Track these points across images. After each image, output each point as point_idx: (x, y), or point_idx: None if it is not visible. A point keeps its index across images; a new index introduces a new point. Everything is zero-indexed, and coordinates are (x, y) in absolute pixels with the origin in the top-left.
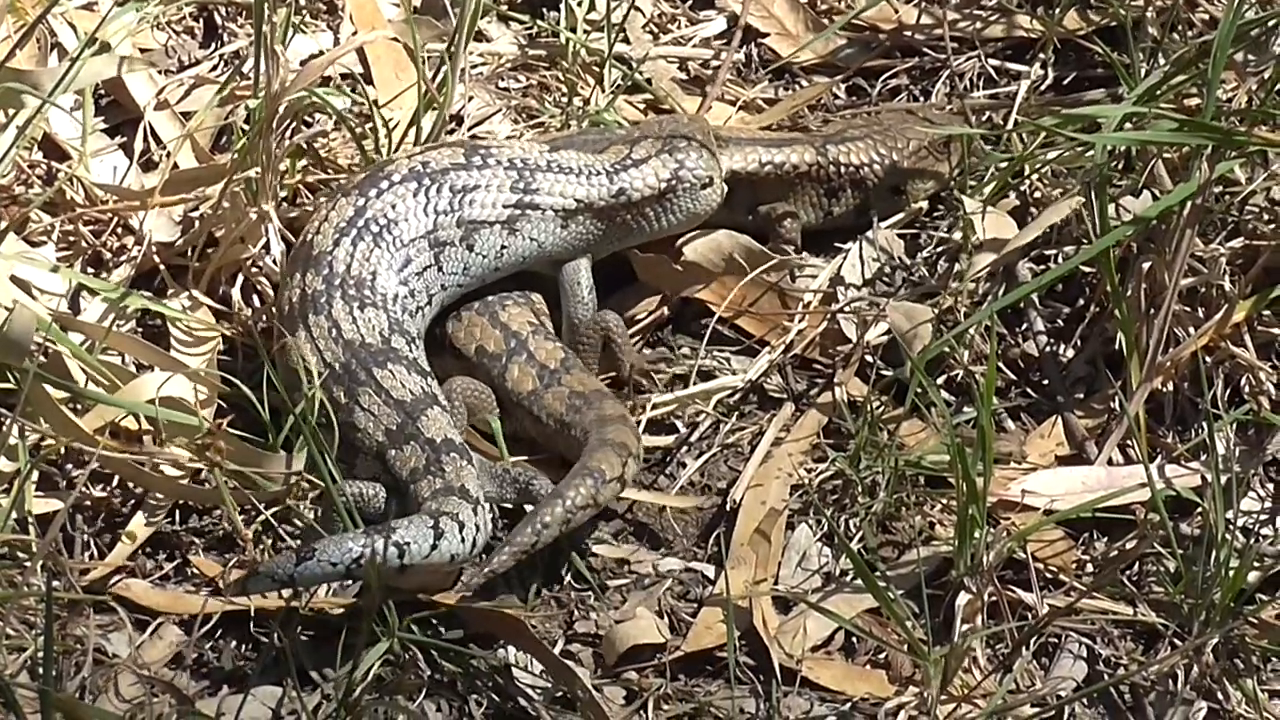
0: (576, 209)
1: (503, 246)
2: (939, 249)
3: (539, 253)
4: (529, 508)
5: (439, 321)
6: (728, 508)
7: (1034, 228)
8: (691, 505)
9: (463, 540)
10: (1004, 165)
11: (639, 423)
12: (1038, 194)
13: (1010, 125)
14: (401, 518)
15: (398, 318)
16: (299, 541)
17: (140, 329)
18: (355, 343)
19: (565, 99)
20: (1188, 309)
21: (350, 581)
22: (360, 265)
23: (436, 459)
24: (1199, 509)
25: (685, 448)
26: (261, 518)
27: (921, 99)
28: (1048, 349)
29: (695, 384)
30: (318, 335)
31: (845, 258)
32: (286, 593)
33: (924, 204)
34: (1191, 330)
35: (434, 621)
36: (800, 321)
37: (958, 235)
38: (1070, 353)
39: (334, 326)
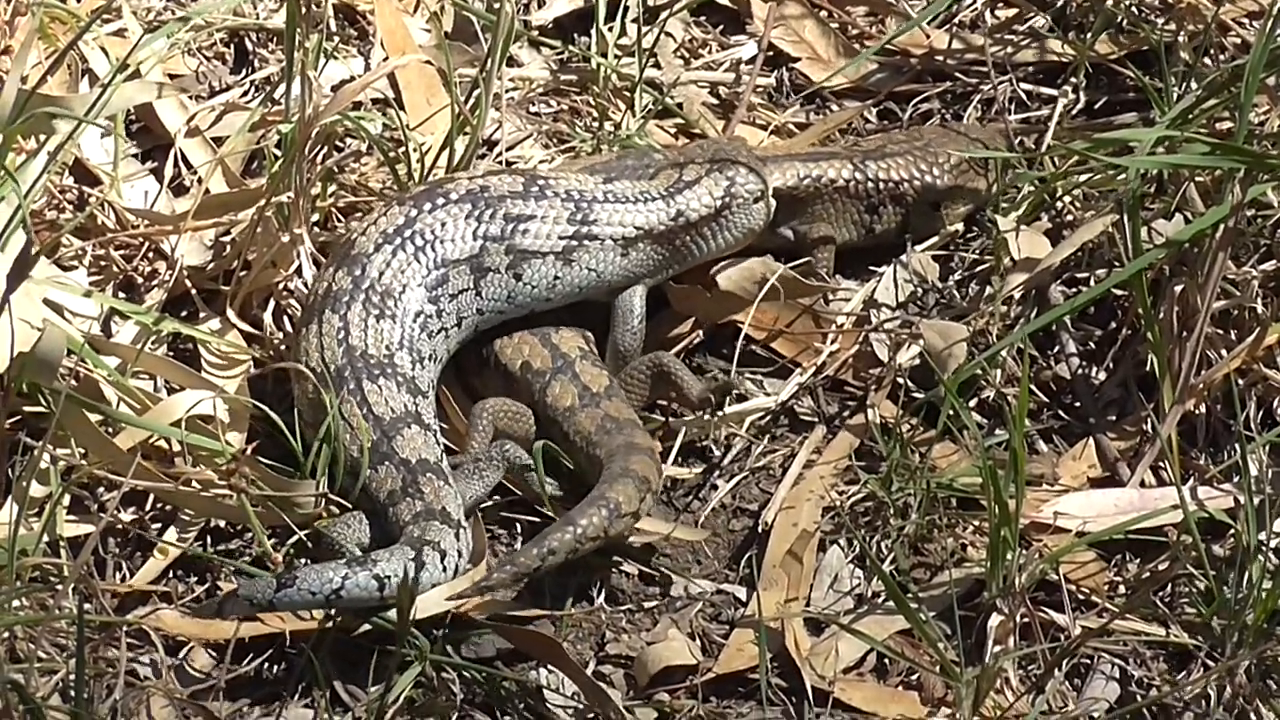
0: (637, 236)
1: (556, 277)
2: (971, 271)
3: (597, 282)
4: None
5: (485, 340)
6: (759, 530)
7: (1066, 246)
8: (697, 538)
9: (444, 569)
10: (1037, 185)
11: (672, 447)
12: (1070, 216)
13: (1044, 148)
14: (383, 549)
15: (413, 334)
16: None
17: (172, 353)
18: (357, 350)
19: (596, 124)
20: (1220, 331)
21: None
22: (393, 276)
23: (414, 480)
24: (1231, 530)
25: (717, 470)
26: (294, 539)
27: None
28: (1080, 371)
29: (728, 406)
30: (325, 333)
31: (879, 280)
32: (319, 614)
33: (959, 226)
34: (1224, 352)
35: (465, 642)
36: (833, 344)
37: (991, 256)
38: (1103, 375)
39: (343, 329)
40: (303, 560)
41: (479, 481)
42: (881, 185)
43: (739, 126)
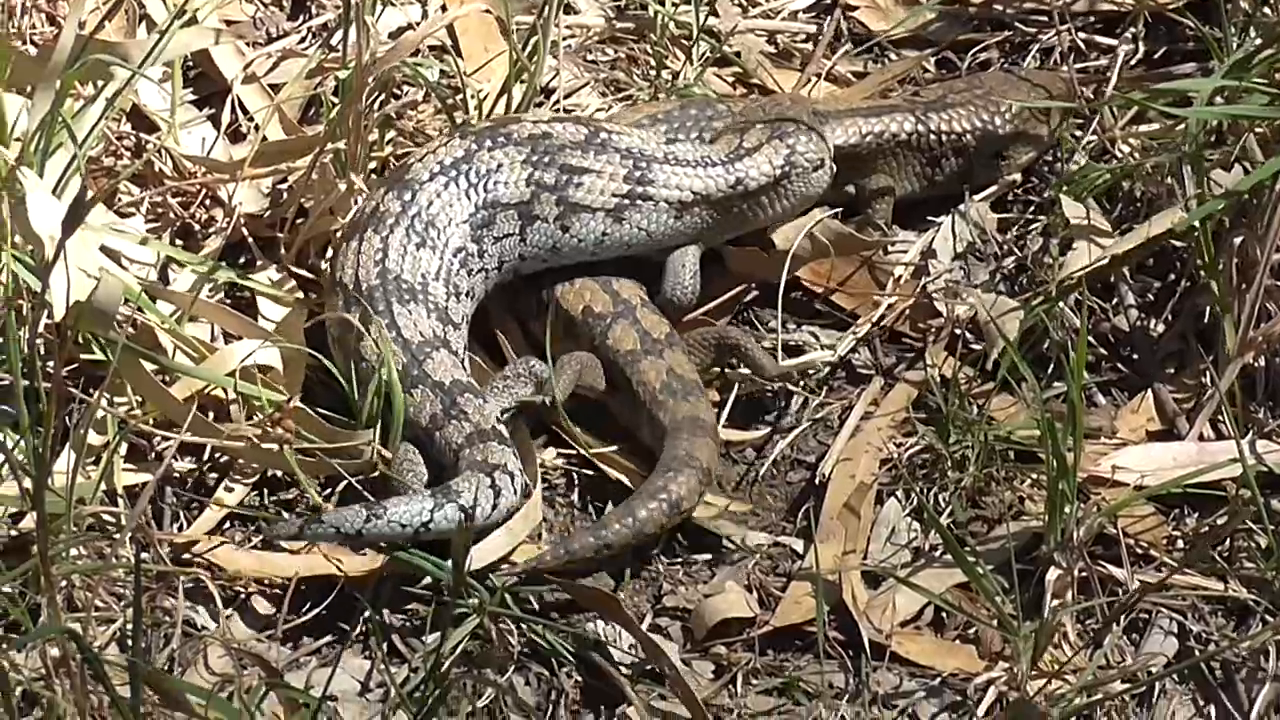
0: (693, 201)
1: (604, 233)
2: (1029, 225)
3: (648, 241)
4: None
5: (545, 284)
6: (816, 482)
7: (1134, 236)
8: (746, 509)
9: (515, 490)
10: (1104, 176)
11: (728, 400)
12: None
13: (1105, 98)
14: (458, 478)
15: (451, 268)
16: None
17: (229, 300)
18: (392, 273)
19: (654, 72)
20: (1279, 284)
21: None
22: (441, 207)
23: (453, 402)
24: None
25: (774, 424)
26: (343, 486)
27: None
28: (1139, 323)
29: (785, 360)
30: (364, 251)
31: (937, 231)
32: (376, 562)
33: (1017, 176)
34: None
35: (523, 594)
36: (890, 298)
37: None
38: (1161, 327)
39: (383, 250)
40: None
41: (507, 396)
42: (944, 137)
43: (796, 79)
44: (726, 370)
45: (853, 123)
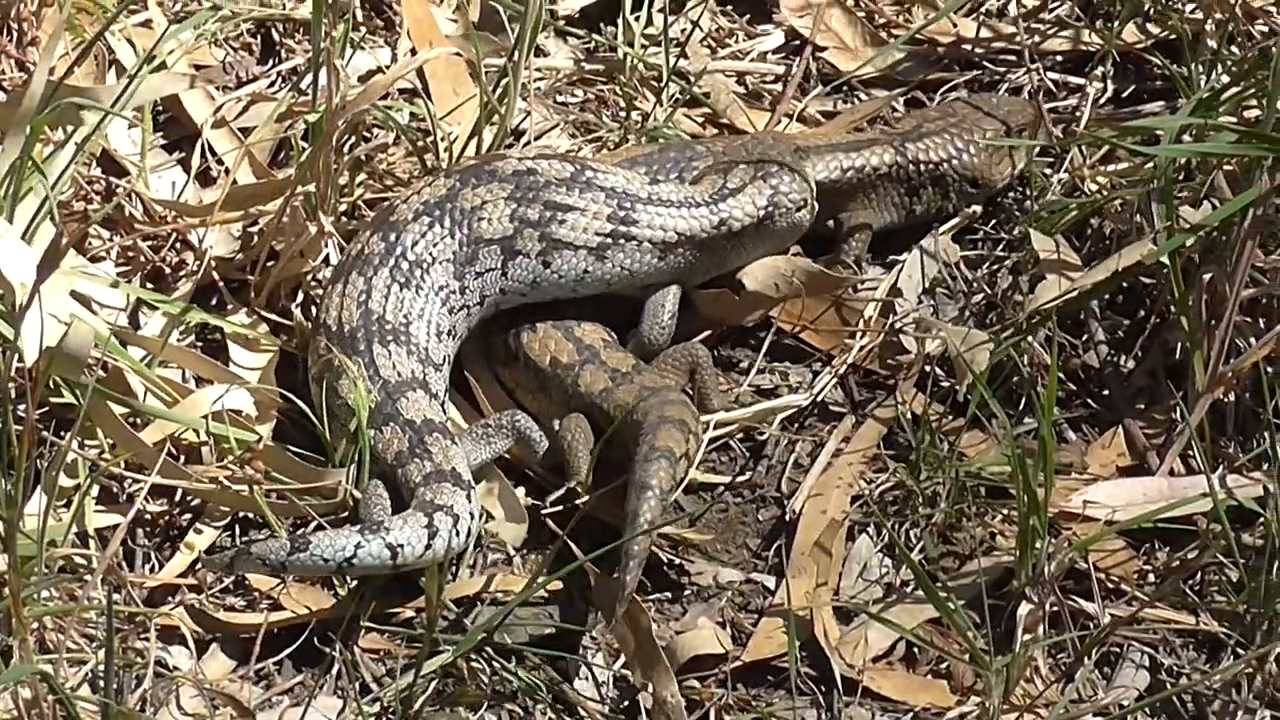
0: (677, 241)
1: (585, 270)
2: (999, 263)
3: (629, 280)
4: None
5: (513, 333)
6: (788, 519)
7: (1101, 269)
8: (704, 540)
9: (457, 533)
10: (1073, 212)
11: (701, 444)
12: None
13: (1072, 136)
14: (396, 515)
15: (433, 308)
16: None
17: (200, 344)
18: (374, 314)
19: (623, 113)
20: (1249, 319)
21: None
22: (426, 248)
23: (420, 440)
24: (1261, 519)
25: (745, 459)
26: (314, 526)
27: None
28: (1109, 359)
29: (758, 404)
30: (347, 293)
31: (902, 268)
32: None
33: (978, 208)
34: (1253, 340)
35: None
36: (861, 338)
37: (1015, 248)
38: (1131, 363)
39: (366, 292)
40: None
41: (487, 447)
42: (923, 167)
43: (767, 120)
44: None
45: (833, 157)
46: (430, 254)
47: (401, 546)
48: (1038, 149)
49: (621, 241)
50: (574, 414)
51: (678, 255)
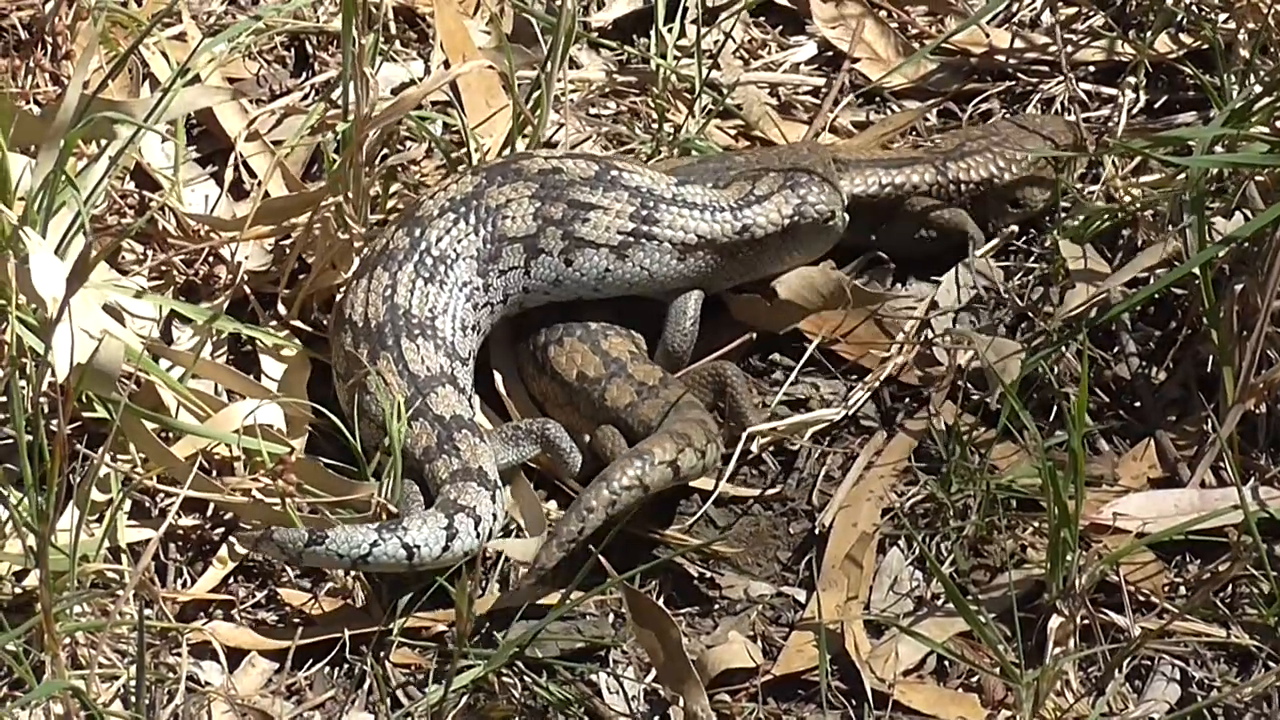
0: (697, 244)
1: (606, 270)
2: (1032, 272)
3: (649, 281)
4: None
5: (541, 346)
6: (818, 532)
7: (1129, 269)
8: (735, 553)
9: (477, 535)
10: (1105, 219)
11: (732, 454)
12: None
13: (1096, 145)
14: (415, 514)
15: (458, 303)
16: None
17: (232, 357)
18: (400, 308)
19: (656, 125)
20: None
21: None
22: (451, 243)
23: (449, 436)
24: None
25: (776, 472)
26: None
27: None
28: (1140, 371)
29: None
30: (373, 288)
31: (941, 285)
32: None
33: (1015, 227)
34: None
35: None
36: (897, 354)
37: (1048, 259)
38: (1163, 375)
39: (391, 286)
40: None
41: (514, 450)
42: (963, 186)
43: (800, 132)
44: (733, 425)
45: (873, 173)
46: (455, 250)
47: (418, 547)
48: (1079, 161)
49: (643, 241)
50: (606, 426)
51: (698, 259)
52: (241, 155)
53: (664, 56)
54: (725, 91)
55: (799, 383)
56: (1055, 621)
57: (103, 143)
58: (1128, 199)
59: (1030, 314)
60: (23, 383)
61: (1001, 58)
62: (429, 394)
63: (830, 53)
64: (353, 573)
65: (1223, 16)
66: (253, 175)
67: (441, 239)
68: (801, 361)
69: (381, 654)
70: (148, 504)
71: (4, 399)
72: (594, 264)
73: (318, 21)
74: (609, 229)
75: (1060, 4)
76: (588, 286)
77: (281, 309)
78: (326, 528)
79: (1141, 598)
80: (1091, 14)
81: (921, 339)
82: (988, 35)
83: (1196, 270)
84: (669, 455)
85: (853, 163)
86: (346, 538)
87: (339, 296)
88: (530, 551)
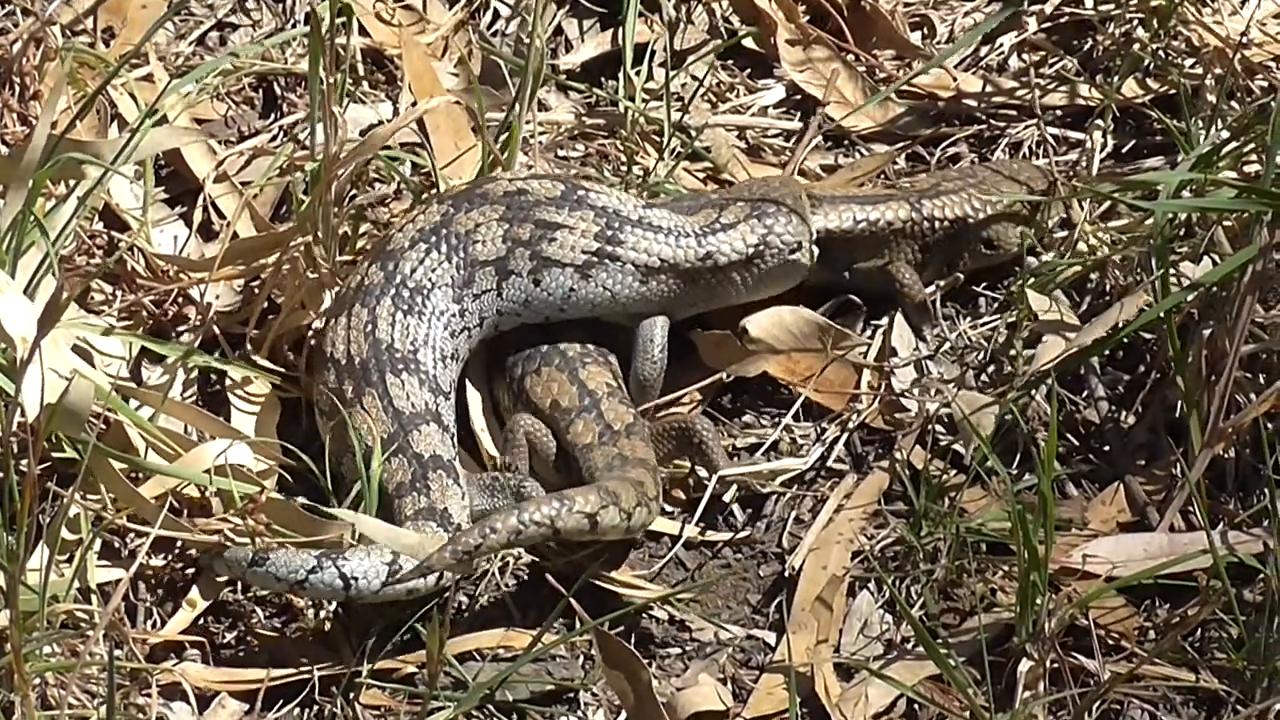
0: (660, 267)
1: (571, 289)
2: (993, 315)
3: (612, 302)
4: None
5: (517, 376)
6: (788, 575)
7: (1099, 324)
8: (705, 597)
9: (422, 575)
10: (1071, 268)
11: (701, 499)
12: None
13: (1070, 191)
14: (361, 546)
15: (438, 333)
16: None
17: (201, 397)
18: (383, 343)
19: (625, 167)
20: (1249, 375)
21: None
22: (425, 273)
23: (423, 475)
24: (1261, 575)
25: (745, 515)
26: None
27: None
28: (1109, 415)
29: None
30: (353, 325)
31: (893, 326)
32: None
33: (960, 276)
34: (1253, 396)
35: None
36: (868, 404)
37: (1018, 332)
38: (1131, 419)
39: (371, 322)
40: (330, 607)
41: (488, 499)
42: (938, 225)
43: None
44: (699, 473)
45: (847, 208)
46: (430, 279)
47: (355, 579)
48: (1056, 217)
49: (606, 261)
50: (523, 414)
51: (660, 282)
52: (210, 196)
53: (632, 99)
54: (694, 134)
55: (770, 426)
56: (1025, 665)
57: (71, 183)
58: (1094, 244)
59: (997, 359)
60: None
61: (970, 102)
62: (412, 431)
63: (799, 96)
64: (315, 601)
65: (1189, 61)
66: (221, 216)
67: (416, 270)
68: (765, 403)
69: (351, 695)
70: (117, 544)
71: None
72: (560, 283)
73: (285, 63)
74: (574, 248)
75: (1027, 49)
76: (554, 307)
77: (250, 349)
78: (265, 551)
79: (1111, 641)
80: (1058, 59)
81: (887, 385)
82: (955, 79)
83: (1162, 314)
84: (589, 508)
85: (827, 198)
86: (286, 561)
87: (318, 335)
88: (423, 548)
